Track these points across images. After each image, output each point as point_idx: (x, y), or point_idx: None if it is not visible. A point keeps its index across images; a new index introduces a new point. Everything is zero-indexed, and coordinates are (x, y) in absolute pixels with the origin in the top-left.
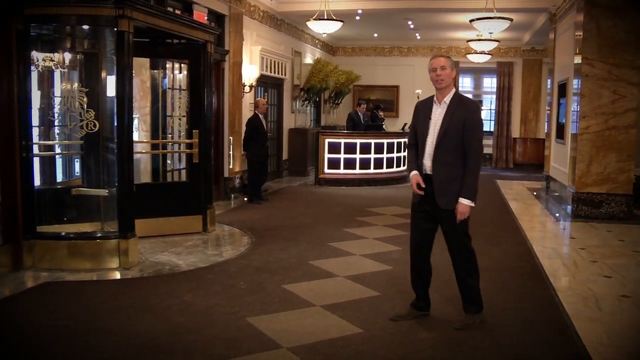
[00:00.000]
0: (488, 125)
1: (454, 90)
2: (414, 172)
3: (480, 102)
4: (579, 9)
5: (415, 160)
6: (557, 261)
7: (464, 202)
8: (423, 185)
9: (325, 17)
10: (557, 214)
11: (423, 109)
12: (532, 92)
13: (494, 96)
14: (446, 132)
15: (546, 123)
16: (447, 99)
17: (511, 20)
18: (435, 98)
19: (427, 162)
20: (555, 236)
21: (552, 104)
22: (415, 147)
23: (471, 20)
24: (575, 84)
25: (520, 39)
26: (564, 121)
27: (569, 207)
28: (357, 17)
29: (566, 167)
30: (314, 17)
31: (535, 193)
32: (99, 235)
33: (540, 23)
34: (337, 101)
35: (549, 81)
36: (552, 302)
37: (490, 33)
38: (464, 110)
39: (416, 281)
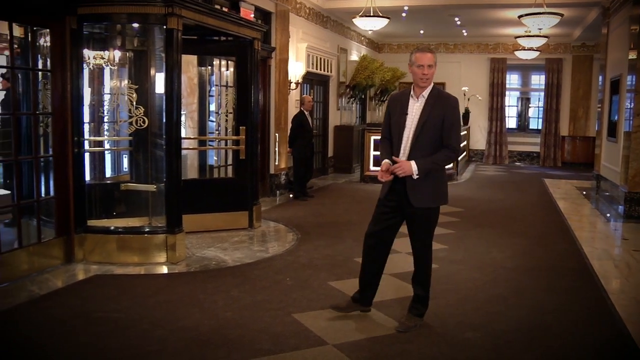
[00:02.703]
0: (535, 123)
1: (432, 84)
2: (385, 160)
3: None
4: (636, 2)
5: (389, 153)
6: (608, 262)
7: (413, 165)
8: (393, 165)
9: (372, 14)
10: (608, 214)
11: (398, 103)
12: (582, 89)
13: (542, 93)
14: (424, 127)
15: (597, 121)
16: (426, 93)
17: (561, 15)
18: (412, 92)
19: (402, 157)
20: (606, 237)
21: (604, 101)
22: (389, 141)
23: (520, 16)
24: (629, 80)
25: (570, 35)
26: (616, 119)
27: (621, 208)
28: (403, 14)
29: (618, 166)
30: (360, 14)
31: (584, 192)
32: (147, 230)
33: (592, 18)
34: (383, 98)
35: (600, 78)
36: (603, 305)
37: (540, 29)
38: (443, 106)
39: (368, 275)
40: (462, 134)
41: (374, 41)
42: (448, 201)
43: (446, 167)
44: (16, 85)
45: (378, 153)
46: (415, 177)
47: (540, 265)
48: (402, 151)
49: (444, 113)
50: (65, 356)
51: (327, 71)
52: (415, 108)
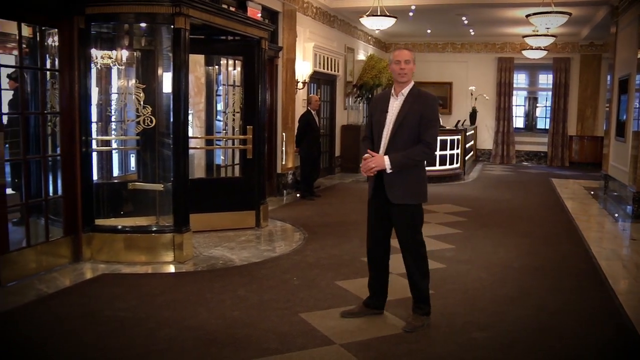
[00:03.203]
0: (543, 123)
1: (412, 83)
2: (365, 155)
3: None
4: None
5: (367, 149)
6: (616, 263)
7: (386, 159)
8: (372, 155)
9: (379, 14)
10: (616, 215)
11: (380, 102)
12: (590, 88)
13: (550, 93)
14: (402, 124)
15: (605, 120)
16: (405, 91)
17: (569, 14)
18: (393, 91)
19: (381, 153)
20: (614, 237)
21: (612, 100)
22: (371, 140)
23: (527, 15)
24: (638, 79)
25: (578, 34)
26: (625, 118)
27: (629, 208)
28: (411, 13)
29: (627, 166)
30: (367, 14)
31: (592, 192)
32: (155, 229)
33: (600, 17)
34: None
35: (608, 77)
36: (611, 305)
37: (547, 28)
38: (421, 104)
39: (377, 284)
40: (469, 133)
41: (381, 41)
42: (427, 199)
43: (425, 165)
44: (25, 84)
45: None
46: (388, 171)
47: (547, 265)
48: (381, 148)
49: (421, 110)
50: (72, 354)
51: (334, 71)
52: (394, 106)
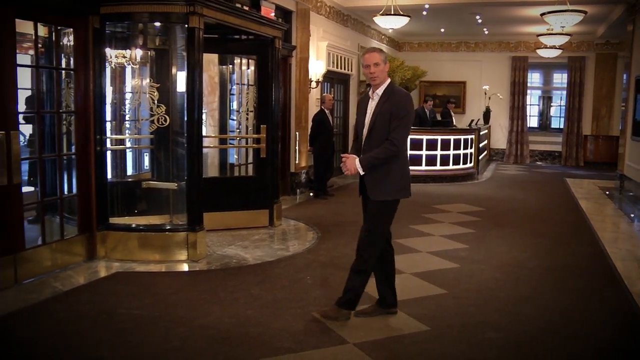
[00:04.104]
0: (557, 122)
1: (387, 81)
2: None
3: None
4: None
5: (355, 150)
6: (632, 264)
7: (357, 163)
8: (347, 157)
9: (392, 12)
10: (632, 215)
11: (362, 104)
12: (606, 87)
13: (564, 92)
14: (374, 124)
15: (621, 120)
16: (380, 90)
17: (585, 12)
18: (370, 91)
19: (362, 154)
20: (630, 237)
21: (628, 100)
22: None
23: (542, 14)
24: None
25: (594, 33)
26: None
27: None
28: (424, 12)
29: None
30: (380, 12)
31: (607, 192)
32: (168, 227)
33: (616, 15)
34: None
35: (624, 76)
36: (627, 307)
37: (562, 27)
38: (391, 103)
39: (376, 277)
40: (483, 132)
41: (394, 40)
42: (410, 194)
43: (403, 162)
44: (40, 84)
45: None
46: (361, 173)
47: (562, 265)
48: (362, 148)
49: (391, 109)
50: (87, 352)
51: (348, 70)
52: (370, 107)
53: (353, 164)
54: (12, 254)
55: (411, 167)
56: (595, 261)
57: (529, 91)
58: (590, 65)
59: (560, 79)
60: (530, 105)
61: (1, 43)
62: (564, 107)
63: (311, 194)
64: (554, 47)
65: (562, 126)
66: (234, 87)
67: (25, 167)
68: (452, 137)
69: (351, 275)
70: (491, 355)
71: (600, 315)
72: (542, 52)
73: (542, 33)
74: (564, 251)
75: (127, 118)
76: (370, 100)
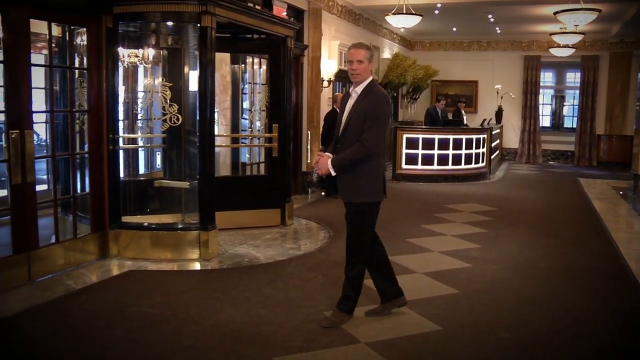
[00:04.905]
0: (570, 122)
1: (369, 79)
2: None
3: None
4: None
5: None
6: None
7: (329, 163)
8: (320, 156)
9: (404, 12)
10: None
11: (343, 102)
12: (620, 86)
13: (577, 91)
14: (348, 123)
15: (635, 119)
16: (359, 89)
17: (599, 11)
18: (351, 89)
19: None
20: None
21: None
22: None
23: (555, 13)
24: None
25: (608, 31)
26: None
27: None
28: (436, 11)
29: None
30: (392, 12)
31: (621, 192)
32: (180, 226)
33: (632, 13)
34: (415, 96)
35: (639, 75)
36: None
37: (576, 25)
38: (367, 102)
39: (376, 278)
40: (495, 132)
41: (406, 39)
42: (385, 197)
43: (377, 164)
44: (54, 83)
45: (410, 151)
46: (333, 173)
47: (574, 266)
48: (336, 148)
49: (366, 108)
50: (100, 349)
51: None
52: (349, 104)
53: (326, 164)
54: (26, 251)
55: (423, 167)
56: (608, 262)
57: (541, 90)
58: (604, 64)
59: (573, 78)
60: (543, 104)
61: (16, 43)
62: (576, 107)
63: (323, 194)
64: (567, 46)
65: (574, 126)
66: (246, 86)
67: (38, 165)
68: (464, 137)
69: (345, 281)
70: (503, 356)
71: (614, 317)
72: (555, 52)
73: (555, 32)
74: (577, 251)
75: (139, 117)
76: (350, 98)
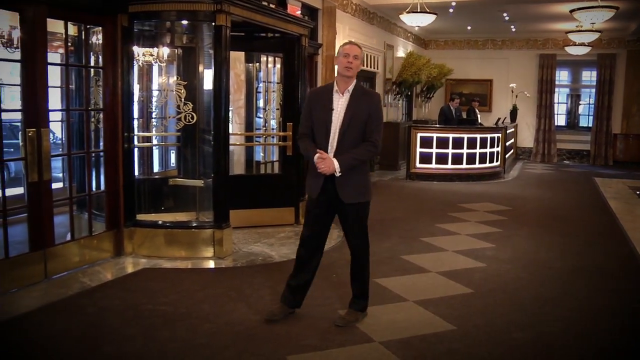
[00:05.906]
0: (586, 121)
1: (355, 80)
2: (317, 152)
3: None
4: None
5: (314, 147)
6: None
7: (336, 164)
8: (323, 157)
9: (418, 10)
10: None
11: (320, 98)
12: (637, 85)
13: (593, 90)
14: (351, 122)
15: None
16: (350, 88)
17: (617, 8)
18: (336, 87)
19: (330, 153)
20: None
21: None
22: (311, 137)
23: (572, 11)
24: None
25: (626, 29)
26: None
27: None
28: (451, 10)
29: None
30: (407, 10)
31: (638, 192)
32: (195, 224)
33: None
34: (429, 95)
35: None
36: None
37: (592, 23)
38: (368, 103)
39: (301, 282)
40: (510, 130)
41: (420, 37)
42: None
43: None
44: (70, 82)
45: (424, 150)
46: (337, 174)
47: (590, 266)
48: (329, 147)
49: (369, 110)
50: (115, 346)
51: (374, 68)
52: (340, 104)
53: (332, 164)
54: (42, 249)
55: (437, 166)
56: (625, 262)
57: (556, 89)
58: (621, 62)
59: (589, 76)
60: (558, 103)
61: (33, 42)
62: (592, 105)
63: None
64: (582, 44)
65: (590, 125)
66: (260, 84)
67: (54, 164)
68: (478, 136)
69: (354, 283)
70: (518, 356)
71: (630, 317)
72: (570, 50)
73: (571, 30)
74: (593, 251)
75: (154, 115)
76: (336, 95)
